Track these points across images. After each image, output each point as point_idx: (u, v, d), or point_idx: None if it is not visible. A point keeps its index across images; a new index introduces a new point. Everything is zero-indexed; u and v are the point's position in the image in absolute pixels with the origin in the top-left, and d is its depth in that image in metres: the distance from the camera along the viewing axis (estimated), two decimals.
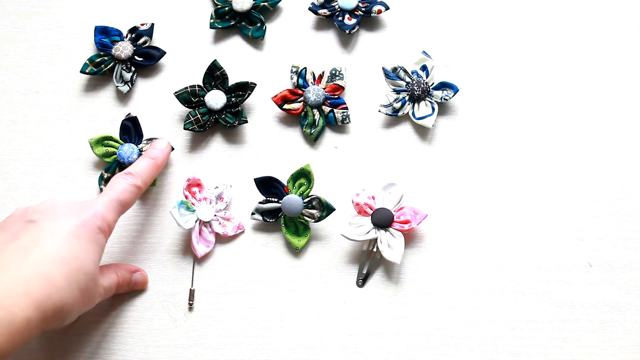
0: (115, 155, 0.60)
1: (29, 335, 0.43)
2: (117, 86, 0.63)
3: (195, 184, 0.59)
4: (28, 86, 0.64)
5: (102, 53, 0.63)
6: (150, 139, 0.61)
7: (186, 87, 0.61)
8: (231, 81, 0.62)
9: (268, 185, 0.59)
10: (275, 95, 0.62)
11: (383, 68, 0.62)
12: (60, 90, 0.64)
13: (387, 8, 0.63)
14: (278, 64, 0.64)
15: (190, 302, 0.58)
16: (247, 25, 0.65)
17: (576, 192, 0.60)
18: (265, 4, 0.64)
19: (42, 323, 0.44)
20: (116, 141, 0.61)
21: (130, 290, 0.57)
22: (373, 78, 0.63)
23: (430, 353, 0.57)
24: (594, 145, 0.61)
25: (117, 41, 0.64)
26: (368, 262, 0.59)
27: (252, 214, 0.59)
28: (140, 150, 0.60)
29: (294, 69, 0.62)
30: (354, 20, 0.64)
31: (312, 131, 0.62)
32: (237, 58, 0.65)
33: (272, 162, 0.62)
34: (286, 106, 0.62)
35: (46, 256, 0.45)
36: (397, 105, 0.61)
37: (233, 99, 0.61)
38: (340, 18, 0.64)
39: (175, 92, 0.61)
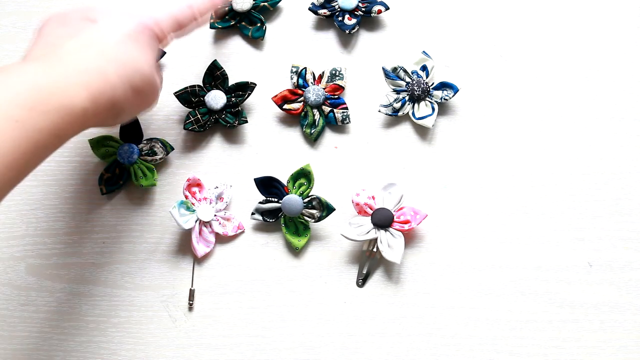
0: (115, 156, 0.60)
1: (84, 126, 0.45)
2: None
3: (195, 184, 0.59)
4: None
5: None
6: (151, 139, 0.61)
7: (186, 87, 0.61)
8: (231, 81, 0.62)
9: (268, 185, 0.59)
10: (275, 95, 0.62)
11: (383, 68, 0.62)
12: None
13: (387, 8, 0.63)
14: (278, 64, 0.64)
15: (190, 302, 0.58)
16: (247, 25, 0.65)
17: (576, 192, 0.60)
18: (265, 4, 0.64)
19: (96, 116, 0.45)
20: (116, 141, 0.60)
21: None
22: (373, 78, 0.63)
23: (430, 353, 0.57)
24: (594, 145, 0.61)
25: None
26: (368, 262, 0.59)
27: (252, 214, 0.59)
28: (140, 150, 0.60)
29: (294, 69, 0.62)
30: (354, 20, 0.63)
31: (312, 131, 0.62)
32: (237, 58, 0.65)
33: (272, 162, 0.62)
34: (286, 106, 0.62)
35: (104, 54, 0.46)
36: (397, 105, 0.61)
37: (233, 99, 0.61)
38: (340, 18, 0.64)
39: (175, 92, 0.61)
